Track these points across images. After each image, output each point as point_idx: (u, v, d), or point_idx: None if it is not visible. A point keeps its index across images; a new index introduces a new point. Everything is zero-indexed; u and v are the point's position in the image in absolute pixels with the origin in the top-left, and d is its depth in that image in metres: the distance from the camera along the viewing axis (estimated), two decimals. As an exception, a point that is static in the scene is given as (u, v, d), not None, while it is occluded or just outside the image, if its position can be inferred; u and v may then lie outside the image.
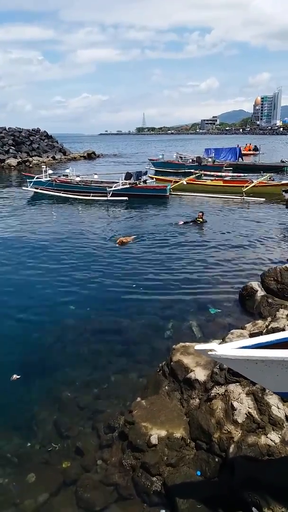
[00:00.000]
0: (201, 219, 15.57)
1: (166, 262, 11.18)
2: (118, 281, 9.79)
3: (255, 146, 48.85)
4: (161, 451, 4.08)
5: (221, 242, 13.20)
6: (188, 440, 4.16)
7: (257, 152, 42.34)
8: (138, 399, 4.86)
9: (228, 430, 3.86)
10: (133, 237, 13.39)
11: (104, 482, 4.23)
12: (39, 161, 41.06)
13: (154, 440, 4.14)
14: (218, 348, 2.71)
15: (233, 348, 2.80)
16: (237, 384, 4.13)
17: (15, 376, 5.94)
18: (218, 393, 4.20)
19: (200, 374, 4.64)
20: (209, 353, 2.71)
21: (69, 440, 4.99)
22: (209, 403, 4.21)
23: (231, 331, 5.38)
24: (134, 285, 9.52)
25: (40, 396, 5.77)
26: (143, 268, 10.69)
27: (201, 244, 13.02)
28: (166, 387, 4.87)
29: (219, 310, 8.15)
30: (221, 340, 5.23)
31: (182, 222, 15.76)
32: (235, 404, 3.95)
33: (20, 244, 12.95)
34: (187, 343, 5.40)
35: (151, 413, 4.52)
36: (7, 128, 45.52)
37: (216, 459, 3.89)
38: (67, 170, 23.28)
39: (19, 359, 6.53)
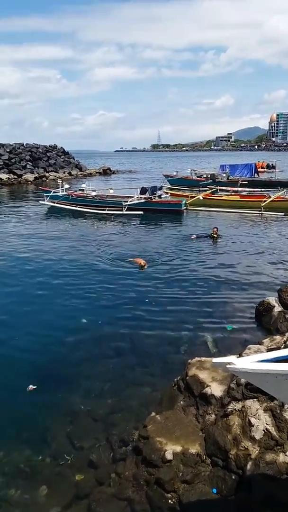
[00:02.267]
0: (216, 235, 15.54)
1: (181, 276, 11.16)
2: (131, 295, 9.79)
3: (269, 163, 47.72)
4: (176, 467, 4.01)
5: (237, 257, 13.13)
6: (204, 456, 4.08)
7: (272, 170, 42.01)
8: (153, 413, 4.79)
9: (245, 446, 3.78)
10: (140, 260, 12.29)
11: (117, 496, 4.15)
12: (55, 176, 41.82)
13: (169, 455, 4.07)
14: (237, 362, 2.67)
15: (252, 361, 2.76)
16: (255, 400, 4.05)
17: (31, 387, 5.95)
18: (235, 408, 4.12)
19: (216, 389, 4.57)
20: (228, 366, 2.67)
21: (82, 452, 4.94)
22: (225, 419, 4.13)
23: (248, 346, 5.30)
24: (147, 300, 9.51)
25: (53, 408, 5.74)
26: (157, 282, 10.66)
27: (216, 259, 12.96)
28: (181, 402, 4.81)
29: (235, 327, 8.05)
30: (238, 355, 5.17)
31: (195, 237, 15.77)
32: (253, 420, 3.87)
33: (36, 258, 13.09)
34: (203, 358, 5.34)
35: (166, 428, 4.45)
36: (24, 144, 46.63)
37: (233, 477, 3.79)
38: (83, 185, 23.65)
39: (33, 371, 6.53)
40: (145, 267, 11.76)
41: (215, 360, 2.79)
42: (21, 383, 6.13)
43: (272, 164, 45.96)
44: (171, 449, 4.11)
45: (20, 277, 11.29)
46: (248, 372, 2.68)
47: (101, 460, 4.75)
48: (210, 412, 4.47)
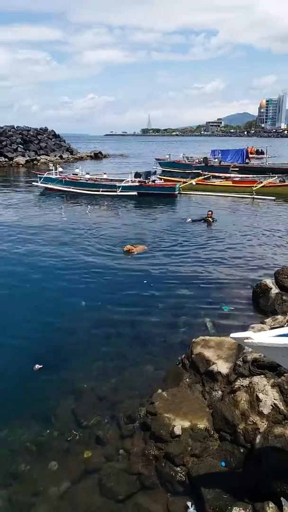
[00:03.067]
0: (210, 218, 15.59)
1: (178, 259, 11.21)
2: (129, 278, 9.80)
3: (258, 149, 46.97)
4: (185, 441, 4.09)
5: (232, 240, 13.22)
6: (212, 431, 4.17)
7: (262, 156, 41.86)
8: (159, 390, 4.86)
9: (254, 421, 3.87)
10: (142, 247, 12.14)
11: (127, 471, 4.24)
12: (46, 159, 41.21)
13: (177, 430, 4.15)
14: (255, 336, 2.72)
15: (269, 336, 2.81)
16: (262, 376, 4.14)
17: (37, 366, 5.98)
18: (242, 385, 4.20)
19: (222, 366, 4.65)
20: (246, 341, 2.72)
21: (88, 429, 5.01)
22: (233, 395, 4.22)
23: (251, 325, 5.38)
24: (145, 282, 9.55)
25: (57, 386, 5.80)
26: (154, 265, 10.71)
27: (211, 242, 13.03)
28: (187, 380, 4.89)
29: (232, 308, 8.15)
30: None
31: (190, 220, 15.81)
32: (261, 395, 3.96)
33: (30, 242, 12.97)
34: (207, 337, 5.41)
35: (173, 405, 4.53)
36: (15, 127, 45.69)
37: (241, 450, 3.89)
38: (77, 170, 23.36)
39: (35, 353, 6.53)
40: (132, 252, 11.60)
41: (232, 334, 2.83)
42: (26, 364, 6.17)
43: (261, 150, 45.73)
44: (179, 425, 4.19)
45: (16, 261, 11.19)
46: (266, 347, 2.73)
47: (108, 436, 4.83)
48: (217, 388, 4.55)
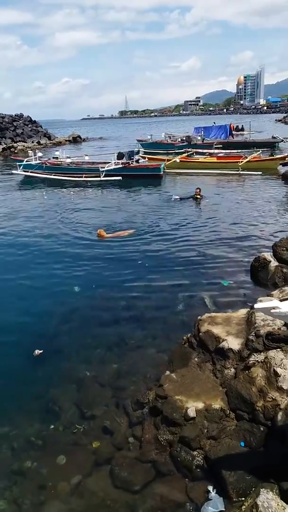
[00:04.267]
0: (199, 195, 15.28)
1: (170, 238, 10.94)
2: (122, 260, 9.49)
3: (238, 125, 45.65)
4: (200, 423, 3.87)
5: (222, 217, 12.96)
6: (228, 411, 3.95)
7: (241, 133, 41.33)
8: (167, 372, 4.62)
9: (273, 397, 3.65)
10: (124, 232, 11.53)
11: (140, 459, 4.00)
12: (24, 146, 40.06)
13: (191, 413, 3.91)
14: (283, 305, 2.47)
15: None
16: (278, 350, 3.91)
17: (37, 351, 5.68)
18: (257, 360, 3.97)
19: (233, 343, 4.41)
20: (273, 311, 2.48)
21: (94, 419, 4.75)
22: (247, 371, 3.99)
23: (259, 299, 5.14)
24: (139, 262, 9.27)
25: (56, 376, 5.53)
26: (147, 246, 10.42)
27: (203, 219, 12.78)
28: (196, 359, 4.64)
29: (231, 282, 7.94)
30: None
31: (178, 198, 15.49)
32: (279, 370, 3.73)
33: (15, 231, 12.44)
34: (213, 313, 5.15)
35: (183, 386, 4.29)
36: (-11, 114, 44.20)
37: (261, 428, 3.68)
38: (57, 153, 22.61)
39: (31, 342, 6.22)
40: (105, 237, 11.00)
41: (257, 305, 2.60)
42: (23, 354, 5.87)
43: (241, 127, 44.95)
44: (193, 406, 3.96)
45: (5, 250, 10.76)
46: None
47: (116, 425, 4.57)
48: (229, 366, 4.32)
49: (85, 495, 3.81)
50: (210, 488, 3.57)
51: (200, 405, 3.97)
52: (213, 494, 3.51)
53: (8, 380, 5.39)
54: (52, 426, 4.73)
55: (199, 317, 5.16)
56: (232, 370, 4.27)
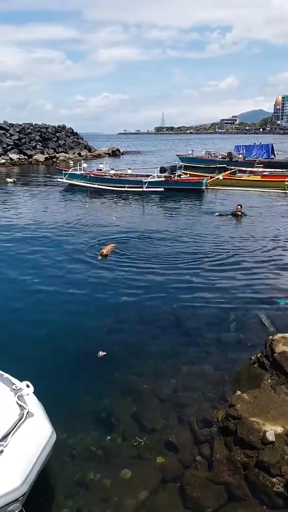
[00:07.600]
0: (239, 212, 15.08)
1: (214, 253, 10.80)
2: (168, 273, 9.34)
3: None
4: (280, 449, 3.63)
5: (267, 233, 12.80)
6: (310, 437, 3.70)
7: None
8: (238, 392, 4.42)
9: None
10: (112, 245, 11.05)
11: (212, 480, 3.80)
12: (65, 157, 41.04)
13: (270, 437, 3.69)
14: None
15: None
16: None
17: (101, 353, 5.63)
18: None
19: (312, 365, 4.18)
20: None
21: (155, 434, 4.58)
22: None
23: None
24: (187, 277, 9.12)
25: (110, 386, 5.39)
26: (191, 260, 10.26)
27: (244, 236, 12.56)
28: (269, 380, 4.42)
29: (288, 301, 7.66)
30: None
31: (217, 214, 15.36)
32: None
33: (64, 237, 12.71)
34: (286, 334, 4.92)
35: (257, 408, 4.08)
36: (33, 124, 45.64)
37: None
38: (101, 165, 23.01)
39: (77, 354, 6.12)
40: (107, 255, 10.29)
41: None
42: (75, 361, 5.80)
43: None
44: (271, 430, 3.73)
45: (55, 255, 10.90)
46: None
47: (180, 441, 4.38)
48: (309, 390, 4.08)
49: (154, 513, 3.64)
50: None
51: (279, 429, 3.75)
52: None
53: (61, 385, 5.31)
54: (109, 437, 4.60)
55: (270, 337, 4.94)
56: (313, 394, 4.03)
